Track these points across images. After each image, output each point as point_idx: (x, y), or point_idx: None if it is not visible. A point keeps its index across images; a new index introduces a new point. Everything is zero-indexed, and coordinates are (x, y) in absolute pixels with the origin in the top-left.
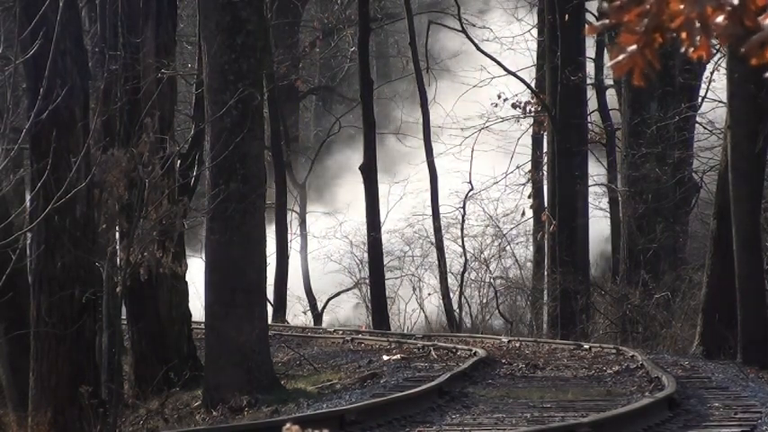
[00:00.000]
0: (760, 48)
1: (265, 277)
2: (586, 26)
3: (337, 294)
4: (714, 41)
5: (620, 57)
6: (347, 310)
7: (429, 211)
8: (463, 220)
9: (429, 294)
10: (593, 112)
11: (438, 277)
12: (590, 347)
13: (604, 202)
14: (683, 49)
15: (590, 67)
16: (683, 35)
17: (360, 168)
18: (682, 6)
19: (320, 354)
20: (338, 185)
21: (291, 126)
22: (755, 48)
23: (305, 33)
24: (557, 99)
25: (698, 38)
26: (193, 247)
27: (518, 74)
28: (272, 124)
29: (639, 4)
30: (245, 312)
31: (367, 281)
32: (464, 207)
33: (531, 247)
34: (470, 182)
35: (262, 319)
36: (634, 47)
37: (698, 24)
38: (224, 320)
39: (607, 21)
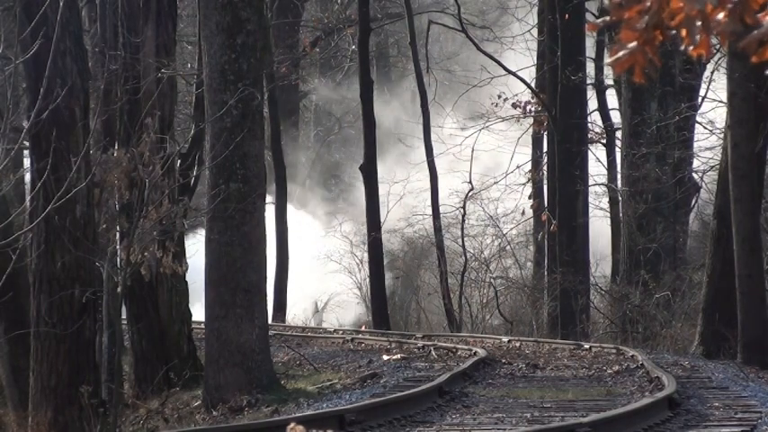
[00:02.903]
0: (759, 45)
1: (265, 277)
2: (588, 22)
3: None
4: (714, 40)
5: (621, 53)
6: (347, 310)
7: (429, 211)
8: (463, 220)
9: (429, 294)
10: (593, 112)
11: (438, 277)
12: (590, 347)
13: (604, 202)
14: (683, 47)
15: (590, 67)
16: (684, 33)
17: (360, 168)
18: (682, 4)
19: (320, 354)
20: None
21: (291, 126)
22: (754, 45)
23: (305, 33)
24: (557, 99)
25: (698, 36)
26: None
27: (518, 74)
28: (272, 124)
29: (640, 2)
30: (245, 312)
31: (367, 280)
32: (464, 207)
33: (532, 247)
34: (470, 182)
35: (262, 319)
36: (634, 44)
37: (698, 22)
38: (224, 320)
39: (608, 18)
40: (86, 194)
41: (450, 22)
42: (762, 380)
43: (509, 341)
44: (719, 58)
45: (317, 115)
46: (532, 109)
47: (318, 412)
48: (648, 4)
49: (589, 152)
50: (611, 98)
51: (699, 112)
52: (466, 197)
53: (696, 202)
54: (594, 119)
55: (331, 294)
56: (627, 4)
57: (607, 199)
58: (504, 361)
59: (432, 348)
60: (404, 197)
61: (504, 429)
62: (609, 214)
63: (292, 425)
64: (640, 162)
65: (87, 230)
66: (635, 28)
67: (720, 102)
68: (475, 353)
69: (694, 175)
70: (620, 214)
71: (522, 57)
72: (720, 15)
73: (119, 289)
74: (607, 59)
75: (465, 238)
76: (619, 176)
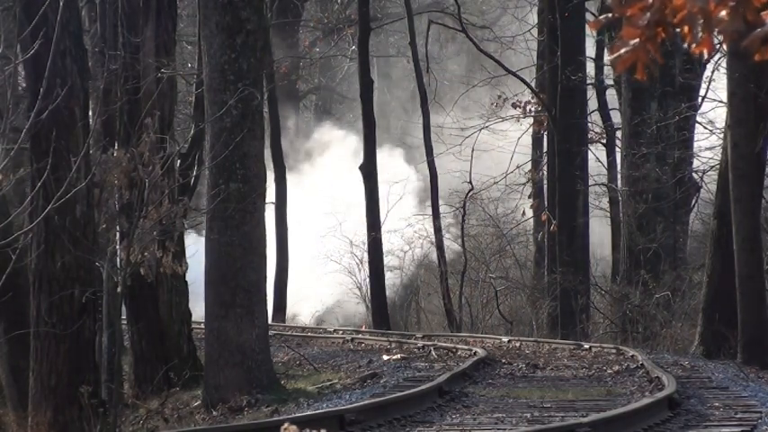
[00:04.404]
0: (762, 43)
1: (265, 277)
2: (589, 21)
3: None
4: (715, 39)
5: (623, 50)
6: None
7: (429, 211)
8: (463, 220)
9: (429, 294)
10: (593, 112)
11: (438, 277)
12: (590, 347)
13: (604, 202)
14: (685, 45)
15: (590, 67)
16: (686, 30)
17: (360, 168)
18: (684, 1)
19: (320, 354)
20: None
21: (291, 126)
22: (757, 43)
23: (305, 33)
24: (557, 99)
25: (700, 33)
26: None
27: (518, 74)
28: (271, 124)
29: None
30: (245, 312)
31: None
32: (464, 207)
33: (532, 247)
34: (470, 182)
35: (262, 319)
36: (636, 41)
37: (700, 19)
38: (224, 320)
39: (610, 15)
40: (86, 194)
41: (450, 22)
42: (762, 380)
43: (509, 341)
44: (719, 58)
45: (317, 115)
46: (532, 109)
47: (318, 412)
48: (651, 0)
49: (589, 152)
50: (612, 98)
51: (699, 112)
52: (466, 197)
53: (696, 202)
54: (594, 119)
55: (332, 295)
56: (628, 1)
57: (607, 199)
58: (504, 361)
59: (432, 348)
60: (403, 197)
61: (504, 429)
62: (609, 214)
63: (286, 425)
64: (640, 162)
65: (87, 230)
66: (637, 25)
67: (720, 102)
68: (475, 353)
69: (694, 175)
70: (620, 214)
71: (523, 57)
72: (723, 13)
73: (119, 289)
74: (608, 58)
75: (465, 238)
76: (619, 176)
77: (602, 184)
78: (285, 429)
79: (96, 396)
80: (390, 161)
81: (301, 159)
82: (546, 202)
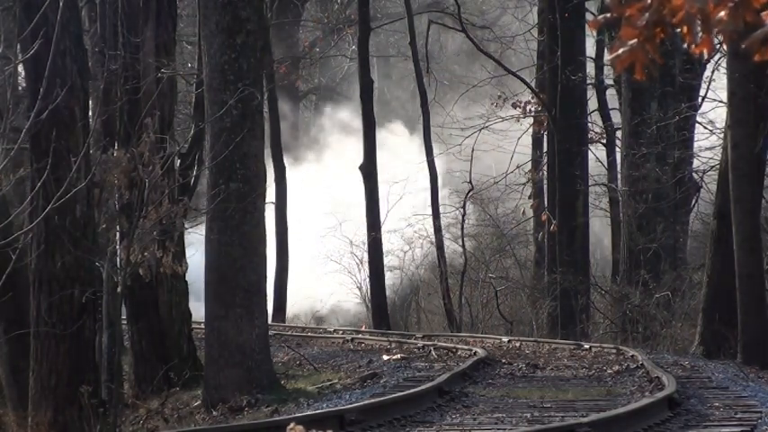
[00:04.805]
0: (761, 44)
1: (265, 277)
2: (589, 21)
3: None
4: (715, 39)
5: (621, 50)
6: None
7: (429, 211)
8: (463, 220)
9: (429, 294)
10: (593, 112)
11: (438, 277)
12: (590, 347)
13: (604, 202)
14: (684, 45)
15: (590, 67)
16: (685, 30)
17: (360, 168)
18: (682, 1)
19: (320, 354)
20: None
21: (291, 126)
22: (757, 44)
23: (305, 33)
24: (557, 99)
25: (699, 33)
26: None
27: (518, 73)
28: (271, 124)
29: None
30: (245, 312)
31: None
32: (464, 207)
33: (532, 247)
34: (470, 182)
35: (262, 319)
36: (635, 41)
37: (699, 20)
38: (224, 320)
39: (609, 14)
40: (86, 194)
41: (450, 22)
42: (762, 380)
43: (509, 341)
44: (719, 58)
45: (317, 114)
46: (532, 109)
47: (318, 412)
48: (649, 1)
49: (589, 152)
50: (612, 98)
51: (699, 112)
52: (466, 197)
53: (696, 202)
54: (594, 119)
55: (332, 295)
56: (627, 2)
57: (607, 199)
58: (504, 361)
59: (432, 348)
60: (403, 197)
61: (504, 429)
62: (609, 214)
63: (292, 425)
64: (640, 162)
65: (87, 230)
66: (636, 25)
67: (720, 102)
68: (475, 353)
69: (694, 175)
70: (620, 214)
71: (523, 57)
72: (721, 14)
73: (119, 289)
74: (608, 58)
75: (465, 238)
76: (619, 176)
77: (602, 184)
78: (291, 429)
79: (96, 396)
80: (392, 137)
81: (303, 149)
82: (546, 202)
